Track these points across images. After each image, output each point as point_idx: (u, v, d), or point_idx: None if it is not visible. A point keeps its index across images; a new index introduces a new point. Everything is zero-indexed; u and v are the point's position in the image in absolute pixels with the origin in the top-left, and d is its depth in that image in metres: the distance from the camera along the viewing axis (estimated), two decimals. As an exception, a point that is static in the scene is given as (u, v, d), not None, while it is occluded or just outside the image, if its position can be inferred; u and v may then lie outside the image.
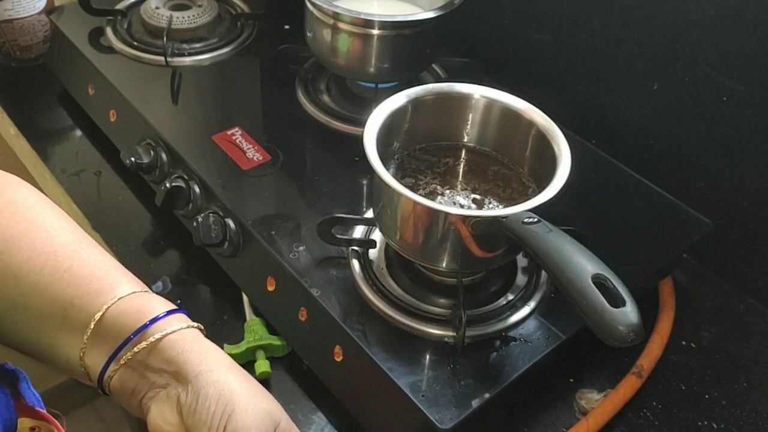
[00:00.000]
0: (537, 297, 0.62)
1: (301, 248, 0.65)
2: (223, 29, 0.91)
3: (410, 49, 0.77)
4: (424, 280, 0.63)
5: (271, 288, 0.65)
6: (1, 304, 0.48)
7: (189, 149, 0.74)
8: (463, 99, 0.65)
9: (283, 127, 0.79)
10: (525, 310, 0.61)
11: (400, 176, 0.63)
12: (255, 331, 0.67)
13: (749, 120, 0.70)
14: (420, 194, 0.61)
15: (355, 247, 0.64)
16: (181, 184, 0.72)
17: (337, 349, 0.60)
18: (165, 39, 0.84)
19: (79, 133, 0.91)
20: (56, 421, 0.52)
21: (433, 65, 0.86)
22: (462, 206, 0.61)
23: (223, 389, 0.45)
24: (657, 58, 0.75)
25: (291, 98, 0.82)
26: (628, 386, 0.65)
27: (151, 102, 0.80)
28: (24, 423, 0.50)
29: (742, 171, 0.72)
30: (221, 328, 0.69)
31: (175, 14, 0.88)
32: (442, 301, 0.62)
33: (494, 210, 0.61)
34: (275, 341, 0.66)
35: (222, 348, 0.65)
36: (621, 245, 0.67)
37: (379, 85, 0.81)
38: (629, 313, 0.45)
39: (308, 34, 0.79)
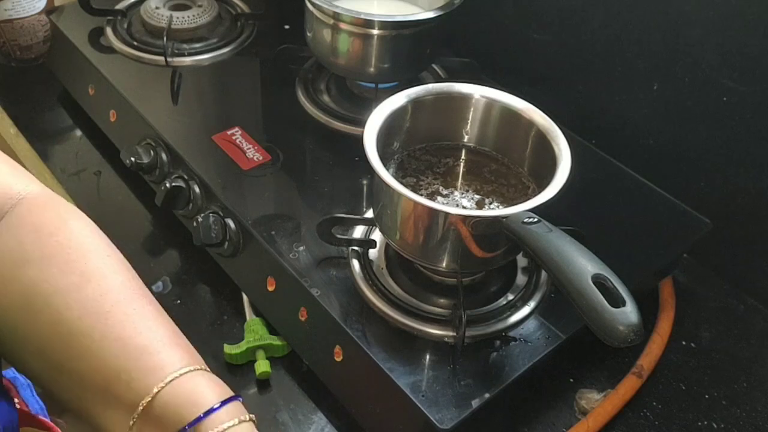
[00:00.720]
0: (537, 297, 0.62)
1: (301, 248, 0.65)
2: (223, 29, 0.91)
3: (410, 49, 0.77)
4: (424, 280, 0.63)
5: (271, 288, 0.65)
6: (48, 363, 0.46)
7: (189, 149, 0.74)
8: (463, 99, 0.65)
9: (283, 127, 0.79)
10: (525, 310, 0.61)
11: (401, 176, 0.63)
12: (255, 331, 0.67)
13: (749, 120, 0.70)
14: (422, 194, 0.61)
15: (355, 247, 0.64)
16: (181, 184, 0.72)
17: (337, 349, 0.60)
18: (165, 39, 0.84)
19: (79, 133, 0.91)
20: (58, 430, 0.51)
21: (433, 65, 0.86)
22: (462, 206, 0.61)
23: None
24: (657, 58, 0.75)
25: (291, 98, 0.82)
26: (628, 386, 0.65)
27: (151, 102, 0.80)
28: None
29: (742, 171, 0.72)
30: (221, 328, 0.69)
31: (175, 14, 0.88)
32: (442, 301, 0.62)
33: (494, 210, 0.61)
34: (275, 341, 0.66)
35: (222, 348, 0.66)
36: (621, 245, 0.67)
37: (379, 85, 0.81)
38: (629, 313, 0.45)
39: (308, 34, 0.79)
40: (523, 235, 0.51)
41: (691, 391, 0.67)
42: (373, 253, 0.65)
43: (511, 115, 0.63)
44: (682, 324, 0.72)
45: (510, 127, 0.64)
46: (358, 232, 0.66)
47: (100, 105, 0.86)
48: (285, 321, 0.66)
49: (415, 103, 0.63)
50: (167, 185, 0.72)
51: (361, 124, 0.60)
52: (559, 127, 0.60)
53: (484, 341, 0.59)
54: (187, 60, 0.86)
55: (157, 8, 0.89)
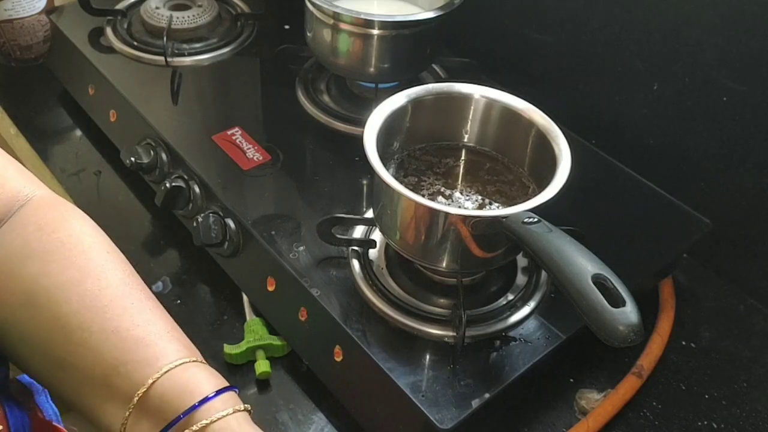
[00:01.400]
0: (537, 297, 0.62)
1: (301, 248, 0.65)
2: (223, 29, 0.91)
3: (410, 49, 0.77)
4: (424, 280, 0.63)
5: (271, 288, 0.65)
6: (49, 359, 0.46)
7: (189, 149, 0.74)
8: (463, 99, 0.65)
9: (283, 127, 0.79)
10: (525, 310, 0.61)
11: (402, 175, 0.63)
12: (255, 331, 0.67)
13: (749, 120, 0.70)
14: (423, 194, 0.61)
15: (355, 247, 0.64)
16: (181, 184, 0.72)
17: (337, 349, 0.60)
18: (165, 39, 0.84)
19: (79, 133, 0.91)
20: None
21: (433, 65, 0.86)
22: (462, 206, 0.61)
23: None
24: (657, 58, 0.75)
25: (291, 98, 0.82)
26: (628, 386, 0.65)
27: (151, 102, 0.80)
28: None
29: (742, 171, 0.72)
30: (221, 328, 0.69)
31: (175, 14, 0.88)
32: (442, 301, 0.62)
33: (494, 210, 0.61)
34: (275, 341, 0.66)
35: (222, 348, 0.66)
36: (621, 245, 0.67)
37: (379, 85, 0.81)
38: (629, 313, 0.45)
39: (308, 34, 0.79)
40: (523, 235, 0.51)
41: (691, 391, 0.67)
42: (373, 253, 0.65)
43: (511, 115, 0.63)
44: (682, 324, 0.72)
45: (510, 127, 0.64)
46: (358, 232, 0.66)
47: (100, 105, 0.86)
48: (285, 321, 0.66)
49: (415, 103, 0.63)
50: (167, 185, 0.72)
51: (361, 124, 0.60)
52: (559, 127, 0.60)
53: (484, 341, 0.59)
54: (187, 60, 0.86)
55: (157, 8, 0.89)
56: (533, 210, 0.53)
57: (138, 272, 0.51)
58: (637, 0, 0.74)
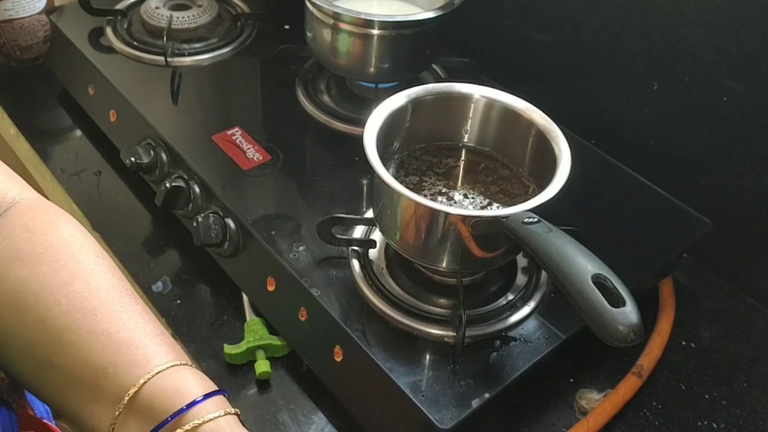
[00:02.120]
0: (537, 297, 0.62)
1: (301, 248, 0.65)
2: (223, 29, 0.91)
3: (410, 49, 0.77)
4: (424, 280, 0.63)
5: (271, 288, 0.65)
6: (34, 360, 0.46)
7: (189, 149, 0.74)
8: (463, 99, 0.65)
9: (283, 127, 0.79)
10: (525, 310, 0.61)
11: (402, 175, 0.63)
12: (255, 331, 0.67)
13: (749, 120, 0.70)
14: (425, 194, 0.61)
15: (355, 247, 0.64)
16: (181, 184, 0.72)
17: (337, 349, 0.60)
18: (165, 39, 0.84)
19: (79, 133, 0.91)
20: None
21: (433, 65, 0.86)
22: (462, 206, 0.61)
23: None
24: (657, 58, 0.75)
25: (291, 98, 0.82)
26: (628, 386, 0.65)
27: (151, 102, 0.80)
28: None
29: (742, 171, 0.72)
30: (221, 328, 0.69)
31: (175, 14, 0.88)
32: (442, 301, 0.62)
33: (494, 210, 0.61)
34: (275, 341, 0.66)
35: (222, 348, 0.66)
36: (621, 245, 0.67)
37: (379, 85, 0.81)
38: (629, 313, 0.45)
39: (308, 34, 0.79)
40: (523, 235, 0.51)
41: (691, 391, 0.67)
42: (373, 253, 0.65)
43: (511, 115, 0.63)
44: (682, 324, 0.72)
45: (510, 127, 0.64)
46: (358, 232, 0.66)
47: (100, 105, 0.86)
48: (285, 321, 0.66)
49: (415, 103, 0.63)
50: (167, 185, 0.72)
51: (361, 124, 0.60)
52: (559, 127, 0.60)
53: (484, 341, 0.59)
54: (187, 60, 0.86)
55: (157, 8, 0.89)
56: (533, 210, 0.53)
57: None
58: (637, 0, 0.74)
